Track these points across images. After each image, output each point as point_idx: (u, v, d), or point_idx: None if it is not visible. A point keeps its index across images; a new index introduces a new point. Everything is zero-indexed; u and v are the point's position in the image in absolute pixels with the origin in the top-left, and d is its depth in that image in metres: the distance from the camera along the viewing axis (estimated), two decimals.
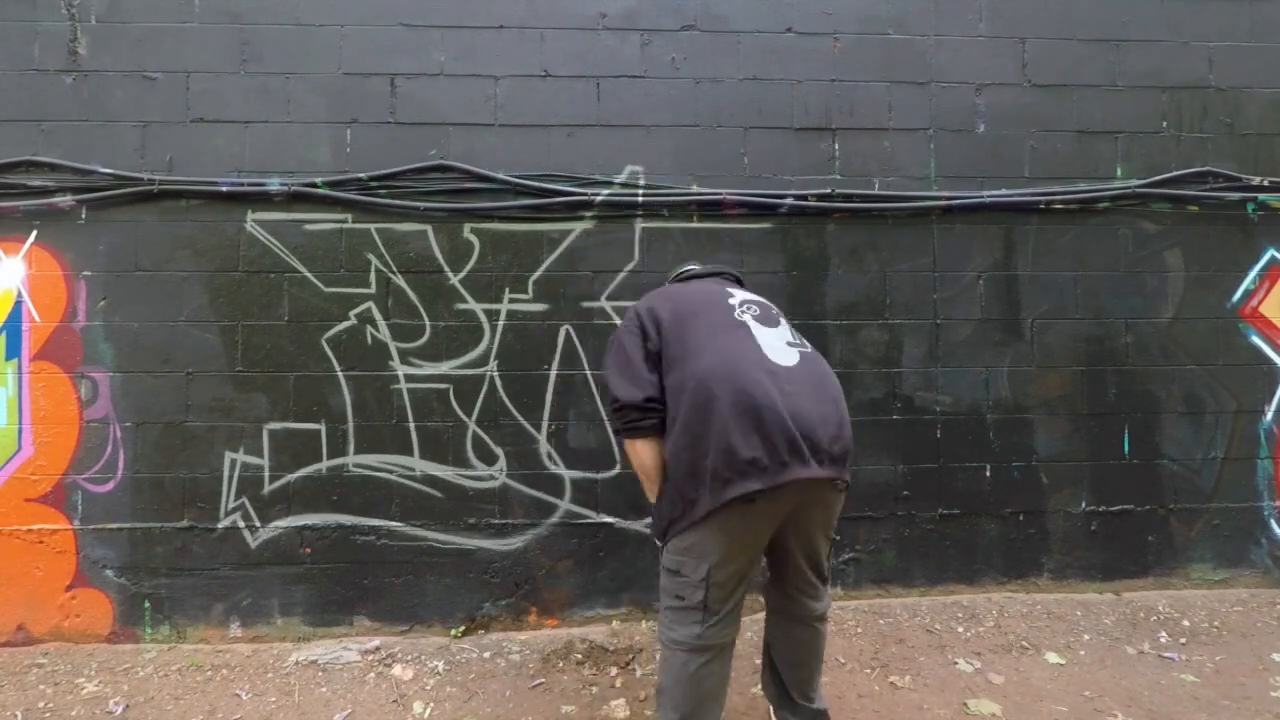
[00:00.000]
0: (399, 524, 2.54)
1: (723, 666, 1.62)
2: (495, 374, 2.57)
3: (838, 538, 2.08)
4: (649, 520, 2.58)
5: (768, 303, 1.74)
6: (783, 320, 1.69)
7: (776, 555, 1.69)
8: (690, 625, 1.57)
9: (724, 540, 1.51)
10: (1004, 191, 2.69)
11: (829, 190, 2.64)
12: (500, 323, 2.58)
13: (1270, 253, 2.78)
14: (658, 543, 1.66)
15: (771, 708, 1.88)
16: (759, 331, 1.59)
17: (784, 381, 1.49)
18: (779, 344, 1.57)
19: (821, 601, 1.74)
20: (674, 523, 1.57)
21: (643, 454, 1.62)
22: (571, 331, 2.58)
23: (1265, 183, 2.74)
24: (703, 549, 1.53)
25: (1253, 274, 2.77)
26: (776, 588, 1.77)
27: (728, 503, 1.44)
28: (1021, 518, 2.70)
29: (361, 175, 2.54)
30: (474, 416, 2.56)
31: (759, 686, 2.20)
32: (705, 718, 1.60)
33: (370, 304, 2.55)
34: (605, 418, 2.56)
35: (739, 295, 1.72)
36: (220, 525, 2.51)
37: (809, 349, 1.64)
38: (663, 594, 1.63)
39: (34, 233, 2.49)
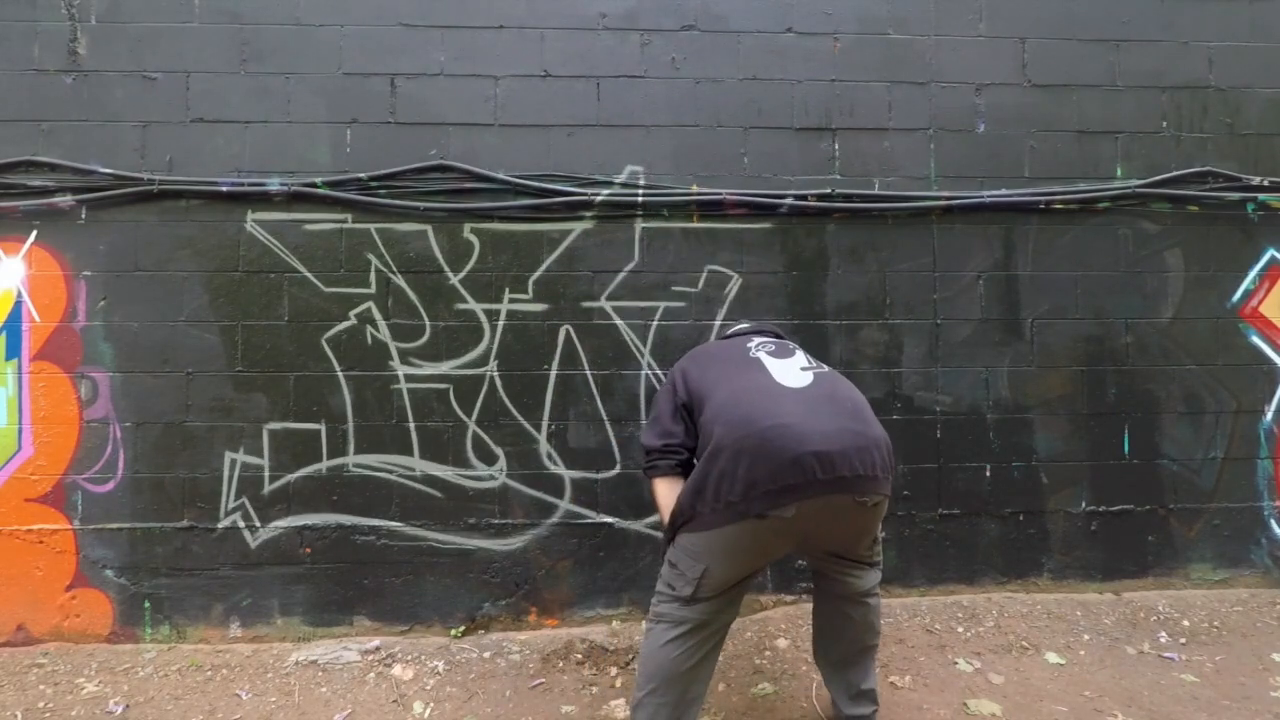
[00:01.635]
0: (399, 524, 2.54)
1: (700, 646, 1.60)
2: (495, 374, 2.57)
3: (883, 534, 2.08)
4: (653, 520, 2.58)
5: (786, 341, 1.88)
6: (799, 352, 1.78)
7: (807, 555, 1.79)
8: (673, 604, 1.61)
9: (726, 552, 1.54)
10: (1004, 191, 2.69)
11: (829, 190, 2.64)
12: (500, 323, 2.58)
13: (1270, 253, 2.78)
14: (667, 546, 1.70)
15: (819, 682, 1.94)
16: (770, 363, 1.67)
17: (794, 402, 1.52)
18: (792, 370, 1.64)
19: (865, 579, 1.74)
20: (683, 524, 1.60)
21: (658, 490, 1.73)
22: (572, 331, 2.58)
23: (1265, 183, 2.74)
24: (703, 552, 1.56)
25: (1253, 274, 2.77)
26: (815, 571, 1.84)
27: (734, 520, 1.48)
28: (1021, 518, 2.70)
29: (361, 175, 2.54)
30: (474, 416, 2.56)
31: (759, 686, 2.20)
32: (673, 693, 1.58)
33: (370, 304, 2.55)
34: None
35: (757, 339, 1.84)
36: (220, 525, 2.51)
37: (825, 369, 1.71)
38: (659, 578, 1.69)
39: (34, 233, 2.49)
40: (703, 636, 1.61)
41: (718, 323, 2.62)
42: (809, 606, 2.57)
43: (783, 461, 1.42)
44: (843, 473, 1.43)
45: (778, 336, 1.97)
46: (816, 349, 2.63)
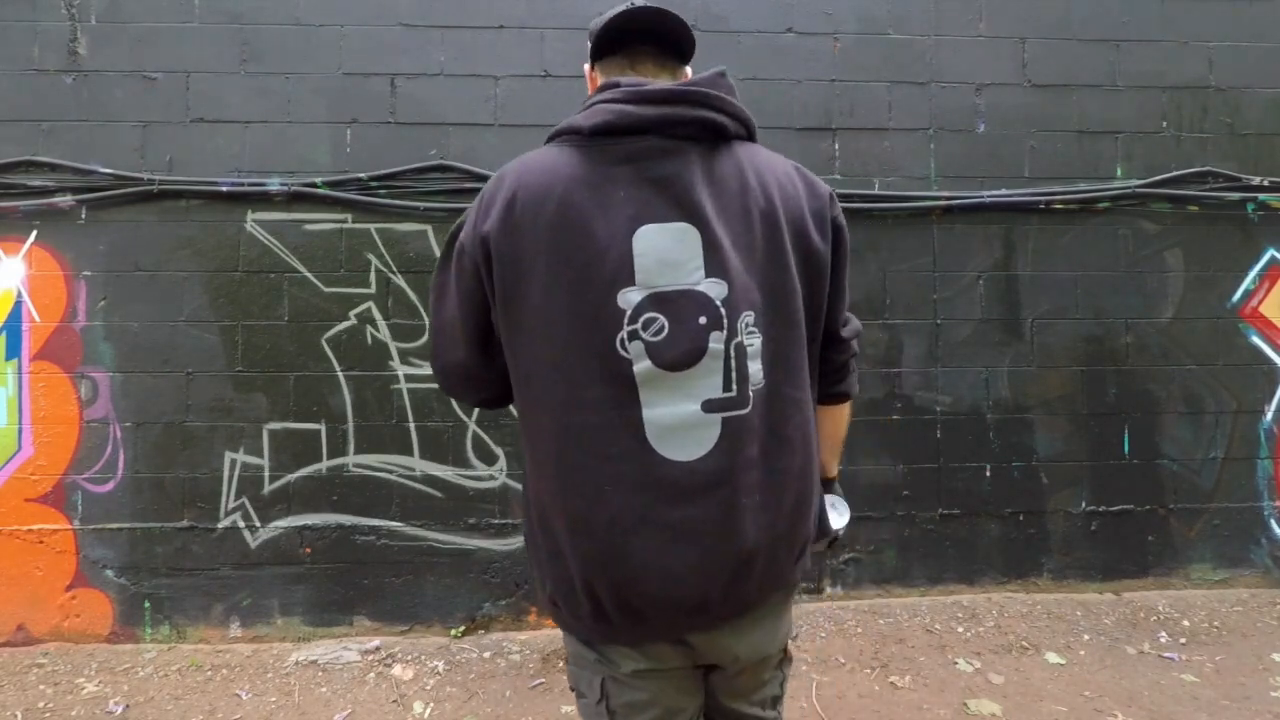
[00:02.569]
0: (399, 524, 2.54)
1: None
2: None
3: (839, 560, 1.78)
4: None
5: (694, 289, 0.88)
6: (711, 340, 0.88)
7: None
8: None
9: (601, 665, 0.98)
10: (1004, 191, 2.69)
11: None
12: None
13: (1270, 253, 2.78)
14: None
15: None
16: (648, 389, 0.88)
17: (670, 502, 0.87)
18: (684, 411, 0.88)
19: None
20: (547, 607, 1.04)
21: None
22: None
23: (1265, 183, 2.74)
24: (585, 659, 1.00)
25: (1253, 274, 2.77)
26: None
27: None
28: (1021, 518, 2.70)
29: (361, 175, 2.53)
30: (474, 416, 2.56)
31: None
32: None
33: (370, 304, 2.55)
34: None
35: (644, 268, 0.87)
36: (220, 525, 2.51)
37: (746, 406, 0.89)
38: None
39: (34, 233, 2.49)
40: None
41: None
42: (810, 606, 2.59)
43: (655, 608, 0.90)
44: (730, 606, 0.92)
45: (694, 130, 0.92)
46: None
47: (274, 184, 2.51)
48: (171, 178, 2.51)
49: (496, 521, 2.56)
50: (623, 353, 0.87)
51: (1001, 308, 2.71)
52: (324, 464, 2.53)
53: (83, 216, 2.50)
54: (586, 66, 1.12)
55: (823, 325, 1.01)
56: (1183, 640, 2.44)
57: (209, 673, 2.31)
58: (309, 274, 2.54)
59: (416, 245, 2.56)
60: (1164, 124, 2.76)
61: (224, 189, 2.50)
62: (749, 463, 0.89)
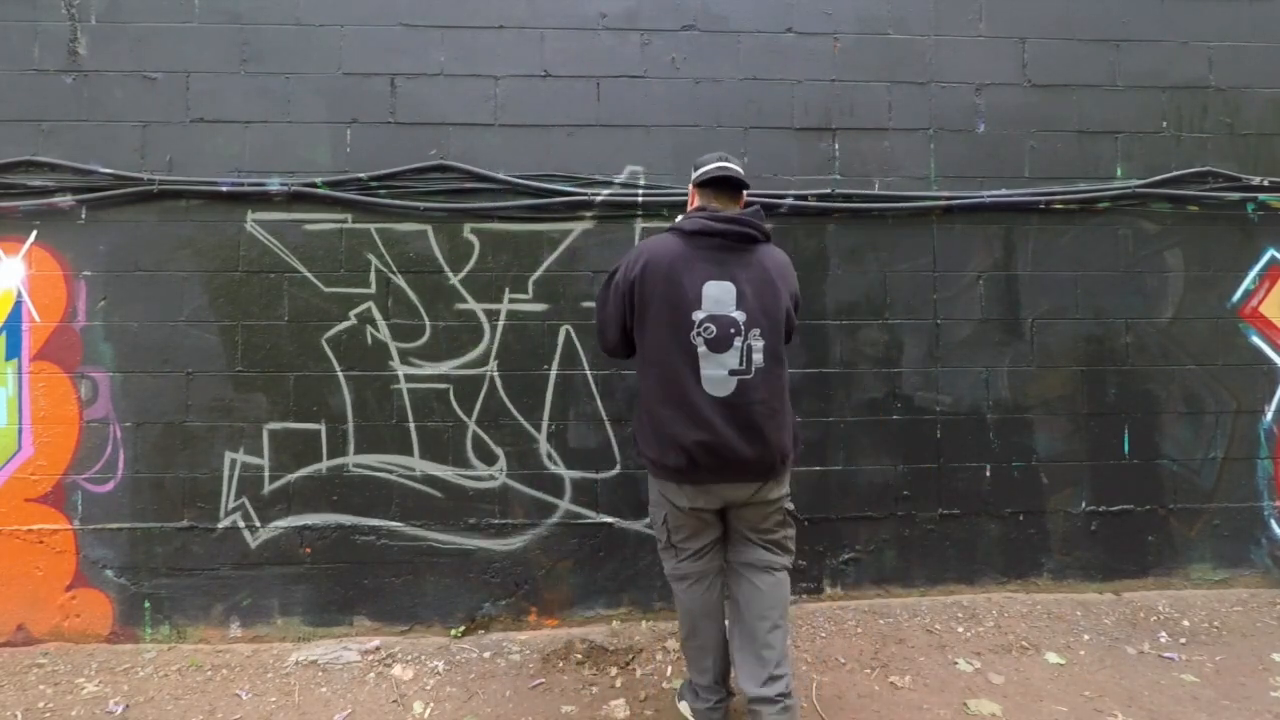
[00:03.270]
0: (399, 524, 2.54)
1: (706, 592, 1.92)
2: (495, 374, 2.57)
3: (803, 520, 2.27)
4: (649, 520, 2.58)
5: (730, 315, 1.77)
6: (736, 340, 1.76)
7: (728, 524, 1.95)
8: (669, 560, 1.97)
9: (668, 500, 1.87)
10: (1004, 191, 2.69)
11: (829, 190, 2.64)
12: (500, 323, 2.58)
13: (1270, 253, 2.78)
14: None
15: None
16: (704, 361, 1.76)
17: (710, 414, 1.74)
18: (720, 373, 1.76)
19: (774, 557, 1.92)
20: (646, 463, 1.92)
21: None
22: (571, 331, 2.58)
23: (1265, 183, 2.74)
24: (659, 500, 1.92)
25: (1253, 274, 2.77)
26: (730, 543, 1.97)
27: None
28: (1021, 518, 2.71)
29: (361, 175, 2.54)
30: (474, 416, 2.56)
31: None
32: (702, 629, 1.92)
33: (370, 304, 2.55)
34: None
35: (708, 302, 1.77)
36: (220, 525, 2.51)
37: (750, 373, 1.77)
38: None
39: (34, 233, 2.49)
40: (705, 584, 1.93)
41: None
42: (810, 606, 2.59)
43: (698, 460, 1.77)
44: (746, 471, 1.80)
45: (749, 240, 1.83)
46: (817, 349, 2.64)
47: (274, 184, 2.51)
48: (171, 178, 2.51)
49: (496, 521, 2.56)
50: (693, 341, 1.76)
51: (1001, 308, 2.71)
52: (324, 464, 2.53)
53: (83, 216, 2.50)
54: (691, 186, 1.98)
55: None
56: (1183, 640, 2.44)
57: (209, 673, 2.32)
58: (309, 274, 2.54)
59: (416, 245, 2.56)
60: (1164, 124, 2.76)
61: (224, 189, 2.50)
62: (753, 400, 1.77)
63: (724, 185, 1.88)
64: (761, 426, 1.77)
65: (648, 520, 2.57)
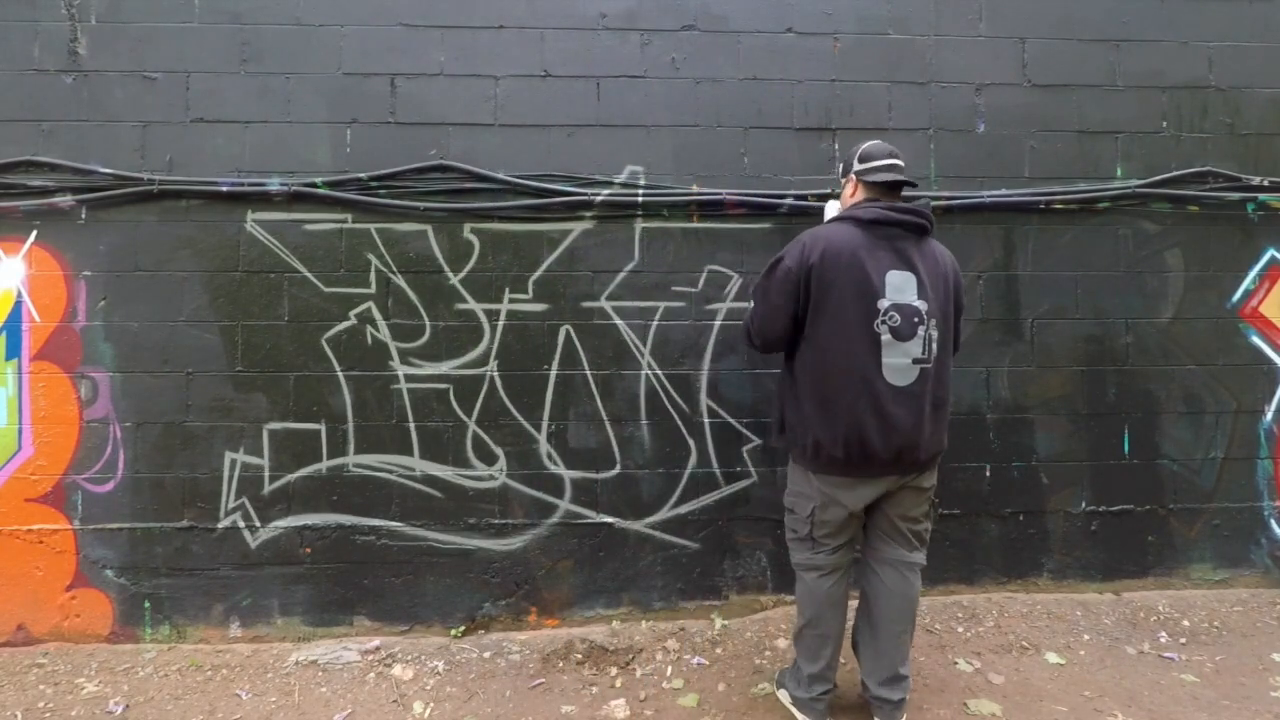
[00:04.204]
0: (399, 524, 2.54)
1: (837, 584, 1.94)
2: (495, 374, 2.57)
3: (940, 508, 2.44)
4: (652, 520, 2.58)
5: (913, 304, 1.78)
6: (919, 329, 1.77)
7: (872, 516, 1.96)
8: (803, 551, 1.96)
9: (823, 493, 1.87)
10: (1004, 191, 2.69)
11: (829, 190, 2.63)
12: (500, 323, 2.58)
13: (1270, 253, 2.78)
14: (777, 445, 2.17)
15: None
16: (887, 347, 1.77)
17: (891, 404, 1.76)
18: (903, 362, 1.77)
19: (912, 553, 1.95)
20: (801, 454, 1.91)
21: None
22: (571, 331, 2.58)
23: (1265, 183, 2.74)
24: (806, 494, 1.91)
25: (1253, 274, 2.77)
26: (869, 539, 2.00)
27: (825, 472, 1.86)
28: (1021, 518, 2.70)
29: (361, 175, 2.54)
30: (474, 416, 2.56)
31: (759, 686, 2.20)
32: (827, 619, 1.93)
33: (370, 304, 2.55)
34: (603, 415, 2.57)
35: (890, 290, 1.77)
36: (220, 525, 2.51)
37: (930, 363, 1.80)
38: (786, 529, 2.02)
39: (34, 233, 2.49)
40: (838, 576, 1.95)
41: (718, 323, 2.61)
42: None
43: (872, 452, 1.78)
44: (908, 463, 1.82)
45: (923, 231, 1.83)
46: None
47: (274, 184, 2.51)
48: (171, 178, 2.51)
49: (496, 521, 2.56)
50: (877, 329, 1.76)
51: (1001, 308, 2.71)
52: (324, 464, 2.53)
53: (83, 216, 2.50)
54: (852, 175, 1.94)
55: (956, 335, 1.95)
56: (1183, 640, 2.44)
57: (209, 673, 2.32)
58: (309, 274, 2.54)
59: (416, 245, 2.56)
60: (1164, 124, 2.76)
61: (224, 189, 2.50)
62: (929, 389, 1.80)
63: (894, 186, 1.88)
64: (935, 415, 1.81)
65: (649, 520, 2.58)
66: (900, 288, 1.77)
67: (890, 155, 1.88)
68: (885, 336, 1.75)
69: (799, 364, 1.88)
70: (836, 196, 2.62)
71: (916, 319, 1.77)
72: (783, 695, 2.06)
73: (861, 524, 1.95)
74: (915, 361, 1.77)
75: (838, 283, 1.77)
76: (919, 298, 1.78)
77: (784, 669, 2.14)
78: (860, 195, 1.92)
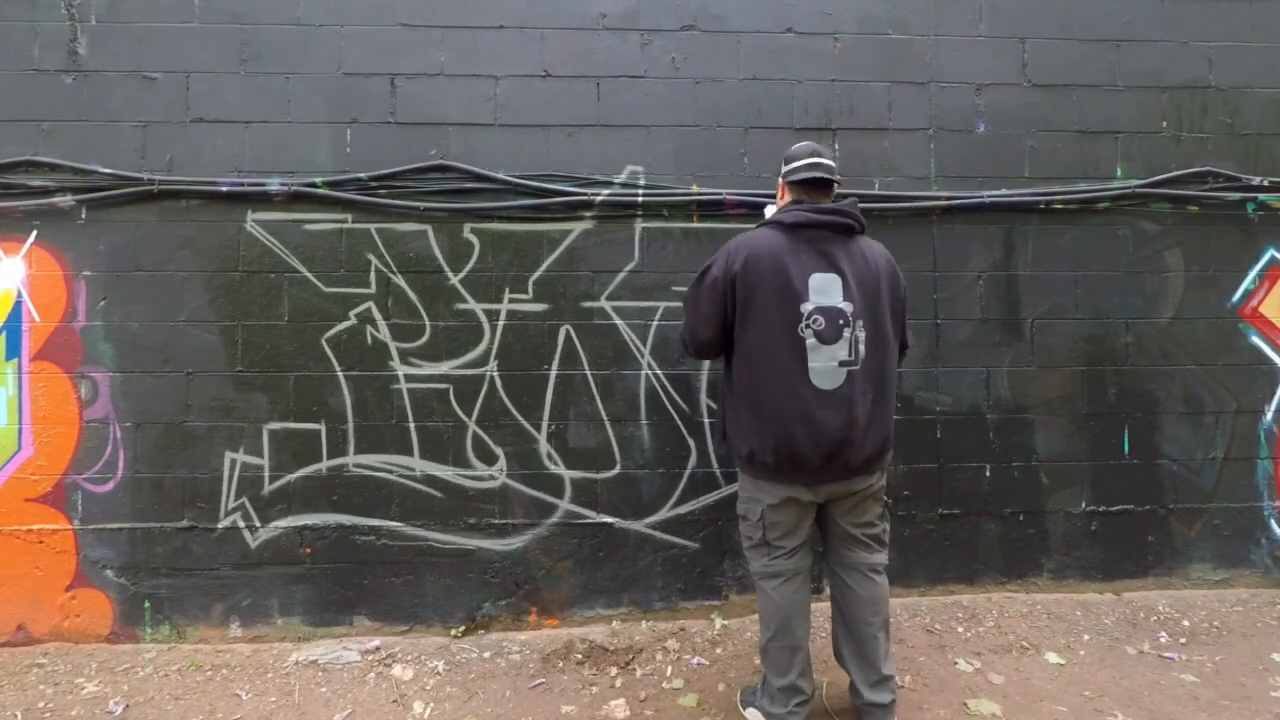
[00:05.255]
0: (399, 524, 2.54)
1: (798, 590, 1.91)
2: (495, 374, 2.57)
3: (891, 506, 2.40)
4: (652, 520, 2.58)
5: (837, 305, 1.77)
6: (845, 331, 1.76)
7: (826, 523, 1.96)
8: (759, 558, 1.93)
9: (766, 501, 1.87)
10: (1004, 191, 2.69)
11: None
12: (500, 323, 2.58)
13: (1270, 253, 2.78)
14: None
15: (828, 682, 2.06)
16: (812, 351, 1.76)
17: (817, 408, 1.74)
18: (829, 365, 1.76)
19: (873, 555, 1.94)
20: (740, 460, 1.92)
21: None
22: (571, 331, 2.58)
23: (1265, 183, 2.74)
24: (755, 497, 1.90)
25: (1253, 274, 2.77)
26: (828, 545, 2.00)
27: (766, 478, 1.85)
28: (1021, 518, 2.70)
29: (361, 175, 2.54)
30: (474, 416, 2.56)
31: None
32: (794, 627, 1.90)
33: (370, 304, 2.55)
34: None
35: (814, 294, 1.76)
36: (220, 525, 2.51)
37: (857, 364, 1.77)
38: (742, 537, 2.01)
39: (34, 233, 2.49)
40: (798, 582, 1.93)
41: None
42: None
43: (802, 459, 1.77)
44: (845, 467, 1.80)
45: (849, 230, 1.83)
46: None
47: (274, 184, 2.51)
48: (171, 178, 2.51)
49: (496, 521, 2.56)
50: (802, 334, 1.75)
51: (1001, 308, 2.71)
52: (324, 464, 2.53)
53: (83, 216, 2.50)
54: (780, 180, 1.96)
55: (899, 334, 1.92)
56: (1183, 640, 2.44)
57: (209, 673, 2.32)
58: (309, 274, 2.54)
59: (416, 245, 2.56)
60: (1164, 124, 2.76)
61: (224, 189, 2.50)
62: (859, 390, 1.76)
63: (818, 185, 1.88)
64: (868, 417, 1.77)
65: (649, 520, 2.58)
66: (824, 290, 1.76)
67: (812, 154, 1.87)
68: (810, 340, 1.75)
69: (734, 370, 1.89)
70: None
71: (841, 321, 1.76)
72: (753, 715, 1.99)
73: (812, 527, 1.93)
74: (841, 364, 1.76)
75: (760, 288, 1.77)
76: (844, 299, 1.77)
77: (747, 688, 2.10)
78: (788, 197, 1.92)
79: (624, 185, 2.60)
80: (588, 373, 2.59)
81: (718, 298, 1.83)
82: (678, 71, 2.64)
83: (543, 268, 2.59)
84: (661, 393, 2.60)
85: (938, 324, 2.68)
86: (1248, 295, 2.77)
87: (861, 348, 1.77)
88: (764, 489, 1.85)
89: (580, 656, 2.36)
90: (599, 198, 2.58)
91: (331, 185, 2.52)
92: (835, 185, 1.90)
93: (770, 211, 1.99)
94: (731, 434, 1.91)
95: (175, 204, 2.52)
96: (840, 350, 1.75)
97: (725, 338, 1.88)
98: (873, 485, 1.87)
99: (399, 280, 2.56)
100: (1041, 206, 2.70)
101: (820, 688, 2.15)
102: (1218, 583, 2.75)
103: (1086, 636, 2.45)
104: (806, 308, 1.75)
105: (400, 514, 2.54)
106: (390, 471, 2.55)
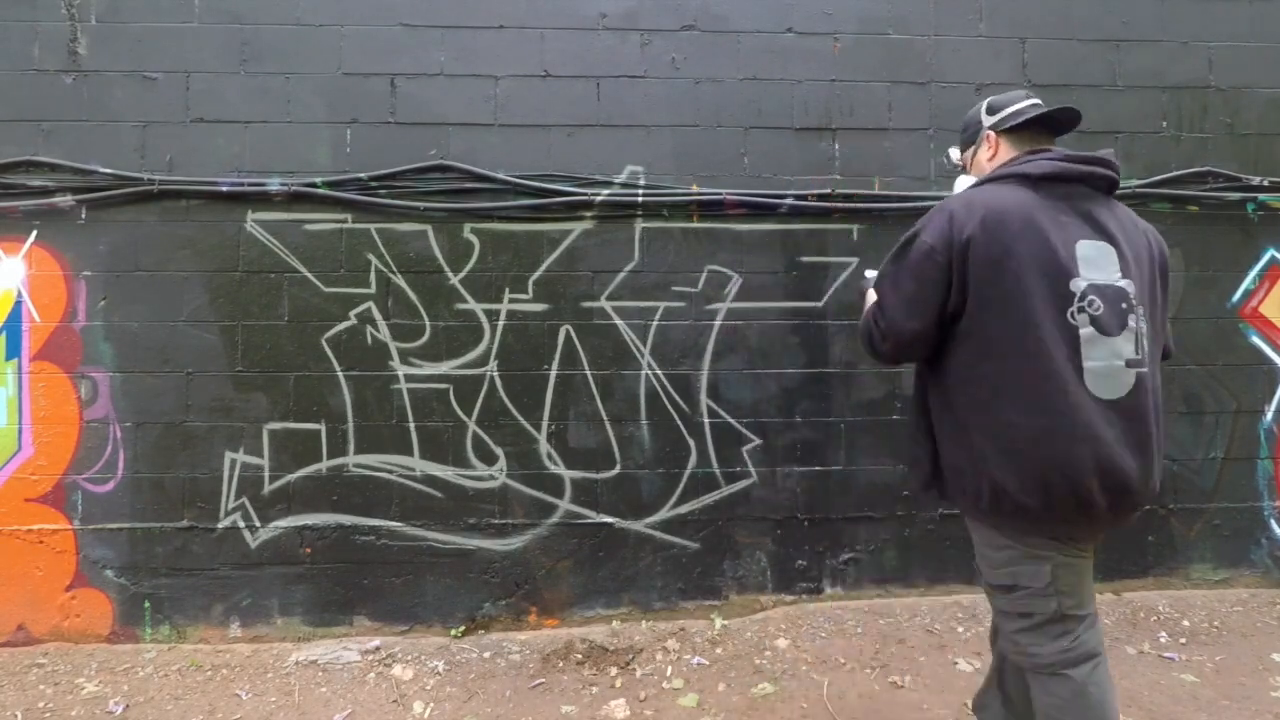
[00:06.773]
0: (399, 524, 2.54)
1: (1106, 671, 1.39)
2: (495, 374, 2.57)
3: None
4: (652, 520, 2.58)
5: (1116, 284, 1.30)
6: (1130, 319, 1.30)
7: None
8: (1050, 640, 1.36)
9: (1047, 551, 1.34)
10: None
11: (829, 190, 2.63)
12: (500, 323, 2.58)
13: (1270, 253, 2.78)
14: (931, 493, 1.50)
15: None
16: (1089, 348, 1.28)
17: (1104, 425, 1.27)
18: (1114, 364, 1.29)
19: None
20: (972, 507, 1.39)
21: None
22: (571, 331, 2.58)
23: (1265, 183, 2.74)
24: (1037, 555, 1.34)
25: (1253, 274, 2.77)
26: None
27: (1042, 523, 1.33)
28: None
29: (361, 175, 2.53)
30: (474, 416, 2.56)
31: (759, 686, 2.19)
32: None
33: (370, 304, 2.55)
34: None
35: (1085, 267, 1.29)
36: (220, 525, 2.51)
37: (1147, 366, 1.32)
38: (1001, 619, 1.45)
39: (34, 233, 2.49)
40: (1105, 659, 1.42)
41: (718, 323, 2.61)
42: (810, 606, 2.59)
43: (1092, 501, 1.28)
44: (1131, 503, 1.33)
45: (1110, 187, 1.40)
46: (817, 348, 2.63)
47: (274, 184, 2.51)
48: (171, 178, 2.51)
49: (496, 521, 2.56)
50: (1073, 321, 1.28)
51: None
52: (324, 464, 2.53)
53: (83, 216, 2.50)
54: (989, 132, 1.54)
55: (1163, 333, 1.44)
56: (1183, 640, 2.44)
57: (209, 673, 2.31)
58: (309, 274, 2.54)
59: (416, 245, 2.56)
60: (1164, 124, 2.76)
61: (224, 189, 2.50)
62: (1151, 403, 1.31)
63: (1047, 125, 1.47)
64: (1156, 435, 1.32)
65: (649, 520, 2.58)
66: (1096, 262, 1.30)
67: (1028, 95, 1.50)
68: (1085, 330, 1.27)
69: (952, 378, 1.39)
70: (835, 198, 2.63)
71: (1124, 304, 1.29)
72: None
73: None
74: (1129, 364, 1.29)
75: (1010, 260, 1.28)
76: (1123, 276, 1.30)
77: None
78: (1005, 153, 1.48)
79: (624, 185, 2.60)
80: (588, 373, 2.59)
81: (934, 275, 1.34)
82: (678, 71, 2.64)
83: (543, 268, 2.58)
84: (661, 393, 2.60)
85: None
86: (1248, 295, 2.77)
87: (1146, 343, 1.32)
88: (1033, 543, 1.34)
89: (580, 656, 2.36)
90: (599, 198, 2.58)
91: (331, 185, 2.52)
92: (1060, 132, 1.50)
93: (962, 185, 1.55)
94: (955, 467, 1.40)
95: (175, 204, 2.52)
96: (1125, 345, 1.29)
97: (940, 331, 1.39)
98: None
99: (399, 280, 2.56)
100: None
101: (821, 688, 2.15)
102: (1218, 583, 2.75)
103: None
104: (1078, 284, 1.28)
105: (400, 514, 2.54)
106: (390, 471, 2.55)
